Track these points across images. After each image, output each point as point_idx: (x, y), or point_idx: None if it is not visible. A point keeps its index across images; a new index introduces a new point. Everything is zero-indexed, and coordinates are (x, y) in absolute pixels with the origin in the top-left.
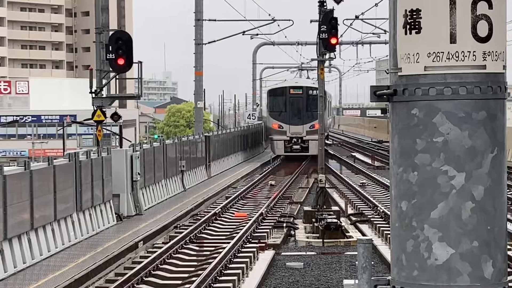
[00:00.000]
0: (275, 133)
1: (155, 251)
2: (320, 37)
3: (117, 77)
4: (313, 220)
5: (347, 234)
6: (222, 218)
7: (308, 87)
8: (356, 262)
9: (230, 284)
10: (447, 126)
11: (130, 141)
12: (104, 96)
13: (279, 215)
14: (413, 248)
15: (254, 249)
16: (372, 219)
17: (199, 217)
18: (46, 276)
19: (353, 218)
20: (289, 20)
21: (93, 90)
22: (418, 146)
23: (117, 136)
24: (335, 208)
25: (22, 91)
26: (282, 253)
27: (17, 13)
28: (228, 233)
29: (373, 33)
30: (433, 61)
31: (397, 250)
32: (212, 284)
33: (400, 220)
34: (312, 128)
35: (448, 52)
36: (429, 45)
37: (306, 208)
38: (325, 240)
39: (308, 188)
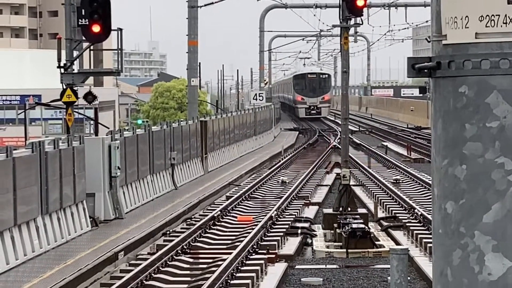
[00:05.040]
0: (299, 103)
1: (139, 264)
2: None
3: (91, 48)
4: (335, 225)
5: (377, 242)
6: (222, 223)
7: (319, 73)
8: (389, 278)
9: None
10: (504, 107)
11: (108, 128)
12: (76, 71)
13: (292, 219)
14: (461, 260)
15: (262, 262)
16: (408, 224)
17: (194, 222)
18: None
19: (385, 223)
20: None
21: (61, 64)
22: (467, 133)
23: (92, 122)
24: (362, 210)
25: None
26: (297, 266)
27: None
28: (229, 242)
29: None
30: (486, 26)
31: (441, 262)
32: None
33: (445, 225)
34: (322, 99)
35: (506, 15)
36: (481, 6)
37: (326, 211)
38: (349, 250)
39: (329, 186)
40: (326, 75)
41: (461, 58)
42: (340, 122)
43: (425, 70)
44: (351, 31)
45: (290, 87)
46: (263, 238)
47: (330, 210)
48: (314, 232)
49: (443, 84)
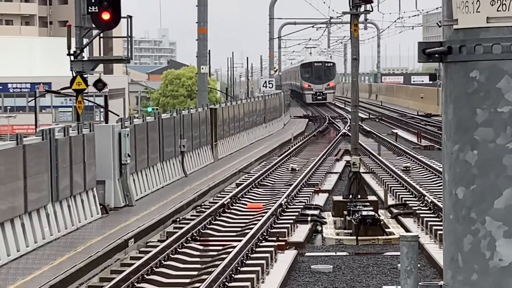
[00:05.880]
0: (306, 89)
1: (149, 251)
2: None
3: (101, 35)
4: (345, 212)
5: (387, 230)
6: (232, 211)
7: (324, 61)
8: (399, 265)
9: None
10: None
11: (118, 115)
12: (86, 59)
13: (302, 206)
14: (472, 246)
15: (272, 249)
16: (418, 211)
17: (204, 209)
18: (14, 281)
19: (395, 210)
20: None
21: (71, 52)
22: (478, 118)
23: (102, 109)
24: (372, 198)
25: None
26: (306, 254)
27: None
28: (239, 229)
29: None
30: (497, 11)
31: (452, 248)
32: None
33: (456, 211)
34: (328, 86)
35: None
36: None
37: (336, 198)
38: (359, 238)
39: (339, 174)
40: (331, 64)
41: (472, 42)
42: (350, 110)
43: (436, 55)
44: (361, 18)
45: (298, 75)
46: (273, 225)
47: (340, 198)
48: (324, 220)
49: (454, 69)
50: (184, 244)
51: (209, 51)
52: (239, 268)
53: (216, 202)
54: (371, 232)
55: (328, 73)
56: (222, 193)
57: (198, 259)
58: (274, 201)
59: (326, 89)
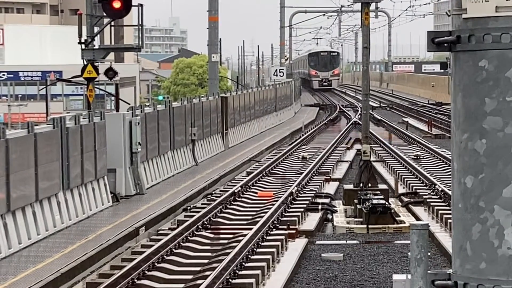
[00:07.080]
0: (313, 76)
1: (160, 239)
2: None
3: (112, 24)
4: (356, 201)
5: (397, 218)
6: (242, 199)
7: (330, 51)
8: (409, 253)
9: (253, 280)
10: None
11: (129, 104)
12: (97, 47)
13: (313, 195)
14: (481, 235)
15: (282, 237)
16: (428, 200)
17: (214, 198)
18: (26, 269)
19: (405, 199)
20: None
21: (82, 40)
22: (487, 107)
23: (113, 97)
24: (383, 186)
25: None
26: (317, 242)
27: None
28: (249, 217)
29: None
30: (506, 0)
31: (460, 237)
32: (230, 280)
33: (464, 200)
34: (333, 73)
35: None
36: None
37: (346, 187)
38: (370, 226)
39: (350, 162)
40: (336, 53)
41: (481, 32)
42: (360, 98)
43: (445, 44)
44: (372, 6)
45: (306, 63)
46: (284, 213)
47: (350, 186)
48: (335, 208)
49: (463, 58)
50: (195, 232)
51: (220, 39)
52: (249, 256)
53: (227, 191)
54: (381, 220)
55: (333, 62)
56: (232, 181)
57: (209, 247)
58: (284, 190)
59: (332, 76)
